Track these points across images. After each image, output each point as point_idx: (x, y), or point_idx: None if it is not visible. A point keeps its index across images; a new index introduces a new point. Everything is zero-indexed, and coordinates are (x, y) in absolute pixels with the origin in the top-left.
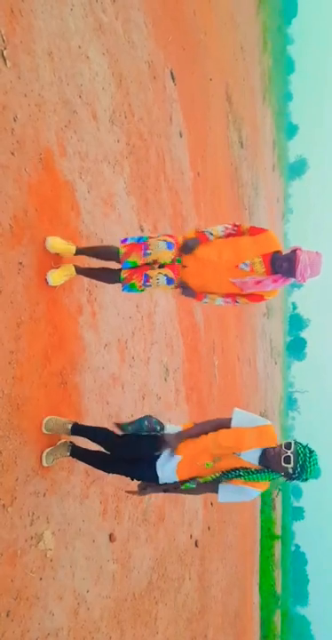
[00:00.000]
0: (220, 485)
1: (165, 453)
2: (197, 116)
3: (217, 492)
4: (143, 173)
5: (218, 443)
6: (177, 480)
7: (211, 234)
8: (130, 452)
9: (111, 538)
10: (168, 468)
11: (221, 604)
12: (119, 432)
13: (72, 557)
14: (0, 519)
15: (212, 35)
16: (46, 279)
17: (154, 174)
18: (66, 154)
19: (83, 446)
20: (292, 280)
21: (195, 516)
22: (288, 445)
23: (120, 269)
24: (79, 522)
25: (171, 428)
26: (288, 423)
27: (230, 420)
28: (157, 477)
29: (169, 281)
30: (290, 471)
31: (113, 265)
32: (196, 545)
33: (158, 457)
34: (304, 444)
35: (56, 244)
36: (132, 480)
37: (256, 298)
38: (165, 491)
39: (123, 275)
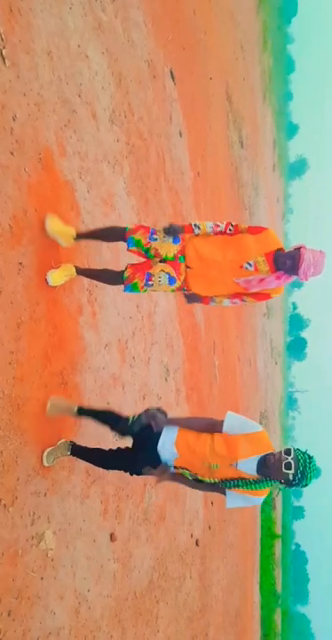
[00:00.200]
0: (227, 491)
1: (161, 442)
2: (197, 115)
3: (219, 493)
4: (143, 173)
5: (214, 451)
6: (177, 454)
7: (198, 227)
8: (136, 430)
9: (112, 537)
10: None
11: (222, 603)
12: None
13: (73, 557)
14: (1, 519)
15: (212, 34)
16: (46, 279)
17: (154, 174)
18: (65, 153)
19: (83, 444)
20: (295, 277)
21: (196, 516)
22: (287, 452)
23: (122, 271)
24: (80, 521)
25: (170, 428)
26: (289, 423)
27: (222, 422)
28: (157, 458)
29: (171, 280)
30: (291, 477)
31: (114, 265)
32: (197, 544)
33: (156, 446)
34: (303, 449)
35: (55, 225)
36: (131, 475)
37: (262, 296)
38: (169, 478)
39: (126, 273)
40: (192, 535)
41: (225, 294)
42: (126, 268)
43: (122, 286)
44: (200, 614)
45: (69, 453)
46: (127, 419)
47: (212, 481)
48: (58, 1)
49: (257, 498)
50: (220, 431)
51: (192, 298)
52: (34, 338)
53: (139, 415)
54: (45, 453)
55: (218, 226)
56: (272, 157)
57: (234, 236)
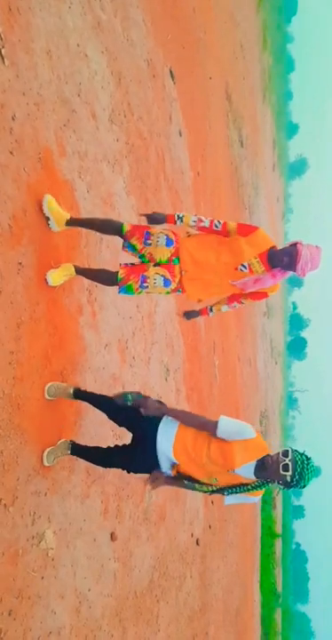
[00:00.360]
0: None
1: (158, 438)
2: (197, 114)
3: (214, 493)
4: (143, 173)
5: (211, 458)
6: (172, 475)
7: (180, 219)
8: (131, 418)
9: (112, 537)
10: (163, 463)
11: (222, 602)
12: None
13: (73, 556)
14: (1, 519)
15: (212, 33)
16: (46, 279)
17: (154, 173)
18: (65, 153)
19: (83, 444)
20: (290, 273)
21: (196, 515)
22: (285, 453)
23: (117, 272)
24: (80, 521)
25: (169, 424)
26: (289, 422)
27: (216, 423)
28: (157, 462)
29: (166, 282)
30: (288, 479)
31: (113, 266)
32: (197, 543)
33: (156, 442)
34: (301, 451)
35: (51, 204)
36: (129, 473)
37: (259, 295)
38: (170, 483)
39: (121, 274)
40: (192, 534)
41: (221, 296)
42: (120, 269)
43: (115, 287)
44: (200, 613)
45: (69, 453)
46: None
47: (213, 489)
48: (57, 0)
49: (254, 497)
50: (214, 433)
51: (190, 314)
52: (34, 338)
53: (130, 393)
54: (45, 453)
55: (202, 221)
56: (271, 157)
57: (227, 239)
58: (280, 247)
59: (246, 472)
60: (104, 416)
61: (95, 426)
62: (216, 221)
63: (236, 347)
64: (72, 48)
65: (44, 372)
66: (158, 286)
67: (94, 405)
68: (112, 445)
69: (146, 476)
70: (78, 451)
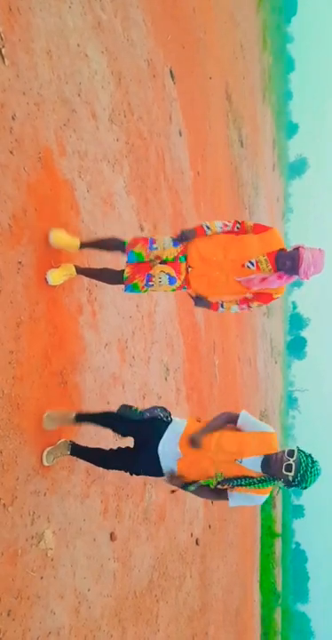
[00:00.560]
0: (229, 493)
1: (165, 439)
2: (197, 114)
3: (219, 500)
4: (143, 172)
5: (221, 446)
6: (181, 454)
7: (208, 228)
8: (138, 428)
9: (112, 537)
10: (167, 464)
11: (222, 602)
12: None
13: (73, 556)
14: (1, 518)
15: (212, 33)
16: (46, 279)
17: (154, 173)
18: (65, 153)
19: (83, 444)
20: (296, 277)
21: (196, 515)
22: (290, 453)
23: (122, 270)
24: (80, 521)
25: (177, 421)
26: (289, 422)
27: (237, 416)
28: (159, 468)
29: (172, 280)
30: (290, 479)
31: (113, 264)
32: (197, 543)
33: (158, 447)
34: (307, 453)
35: (59, 236)
36: (131, 475)
37: (265, 298)
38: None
39: (126, 273)
40: (192, 534)
41: (228, 294)
42: (125, 268)
43: (121, 286)
44: (200, 613)
45: (69, 453)
46: (127, 411)
47: (217, 480)
48: (57, 0)
49: (260, 496)
50: (235, 423)
51: (201, 302)
52: (33, 337)
53: (143, 411)
54: (45, 453)
55: (227, 225)
56: (271, 157)
57: (238, 236)
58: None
59: (253, 464)
60: None
61: (95, 426)
62: (237, 223)
63: (236, 346)
64: (72, 48)
65: (44, 372)
66: (163, 284)
67: (98, 424)
68: (114, 447)
69: (147, 476)
70: (78, 451)
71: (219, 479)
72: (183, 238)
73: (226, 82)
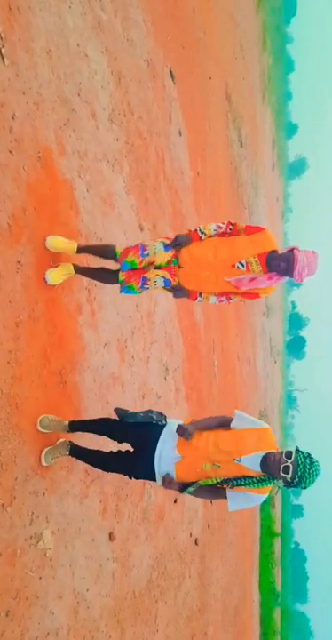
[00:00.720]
0: (228, 493)
1: (161, 443)
2: (196, 114)
3: (221, 498)
4: (142, 172)
5: (218, 446)
6: (180, 457)
7: (203, 232)
8: (133, 434)
9: (111, 537)
10: (165, 464)
11: (221, 602)
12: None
13: (71, 556)
14: None
15: (212, 33)
16: (45, 278)
17: (154, 173)
18: (64, 152)
19: (82, 445)
20: (287, 278)
21: (195, 515)
22: (288, 455)
23: (117, 271)
24: (79, 521)
25: (173, 422)
26: (288, 421)
27: (232, 419)
28: (154, 473)
29: (167, 282)
30: (289, 480)
31: (111, 265)
32: (196, 543)
33: (154, 452)
34: (306, 453)
35: (56, 242)
36: (131, 479)
37: (251, 295)
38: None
39: (121, 277)
40: (191, 534)
41: (215, 292)
42: (120, 273)
43: (117, 285)
44: (199, 613)
45: (68, 454)
46: (119, 422)
47: (216, 480)
48: None
49: (259, 496)
50: (229, 424)
51: (179, 292)
52: (32, 337)
53: (137, 413)
54: (44, 453)
55: (221, 227)
56: (271, 157)
57: (229, 237)
58: (280, 251)
59: (252, 463)
60: (103, 416)
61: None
62: (230, 225)
63: (235, 346)
64: (72, 48)
65: (43, 372)
66: (159, 287)
67: (92, 432)
68: (114, 450)
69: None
70: (77, 452)
71: (218, 481)
72: (177, 244)
73: (226, 82)
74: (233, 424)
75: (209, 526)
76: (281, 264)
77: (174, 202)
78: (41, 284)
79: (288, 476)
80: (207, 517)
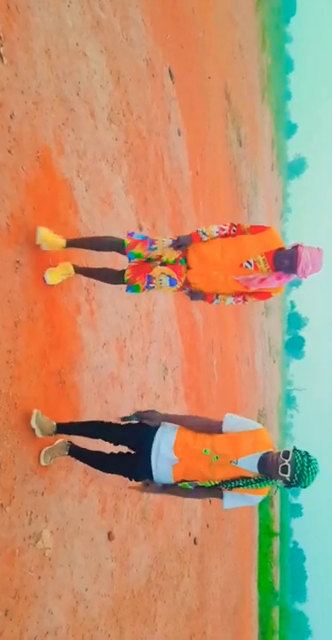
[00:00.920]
0: (224, 492)
1: (156, 444)
2: (196, 114)
3: (217, 497)
4: (141, 172)
5: (215, 450)
6: (173, 482)
7: (205, 234)
8: (124, 436)
9: (109, 536)
10: (162, 466)
11: (220, 601)
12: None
13: (70, 556)
14: None
15: (211, 33)
16: (44, 278)
17: (153, 173)
18: (63, 152)
19: (82, 445)
20: (295, 276)
21: (194, 514)
22: (285, 454)
23: (123, 271)
24: (77, 520)
25: (168, 428)
26: (287, 421)
27: (220, 423)
28: (152, 475)
29: (172, 282)
30: (288, 479)
31: (112, 263)
32: (195, 542)
33: (151, 453)
34: (303, 452)
35: (44, 234)
36: (130, 480)
37: (263, 295)
38: (166, 491)
39: (127, 275)
40: (190, 533)
41: (227, 293)
42: (126, 269)
43: (120, 285)
44: (198, 612)
45: (67, 454)
46: (111, 423)
47: (214, 483)
48: None
49: (257, 497)
50: (219, 430)
51: (196, 295)
52: (31, 337)
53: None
54: (42, 453)
55: (223, 229)
56: (270, 156)
57: (235, 237)
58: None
59: (249, 464)
60: (102, 416)
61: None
62: (233, 226)
63: (234, 345)
64: (71, 47)
65: (42, 371)
66: (164, 286)
67: (83, 435)
68: (114, 451)
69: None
70: (76, 452)
71: (216, 483)
72: (179, 245)
73: (225, 81)
74: (224, 428)
75: (207, 526)
76: (285, 261)
77: (173, 201)
78: (40, 284)
79: (287, 476)
80: (206, 517)
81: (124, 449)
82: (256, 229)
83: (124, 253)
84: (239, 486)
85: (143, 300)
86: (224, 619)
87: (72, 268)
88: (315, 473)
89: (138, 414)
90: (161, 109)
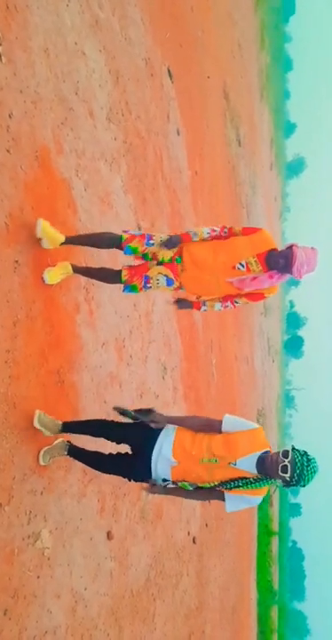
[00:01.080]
0: (226, 495)
1: (158, 446)
2: (194, 113)
3: (218, 499)
4: (140, 172)
5: (212, 452)
6: (171, 480)
7: (195, 234)
8: (129, 435)
9: (108, 536)
10: (161, 468)
11: (218, 600)
12: (119, 416)
13: (69, 555)
14: None
15: (210, 32)
16: (43, 277)
17: (152, 172)
18: (62, 151)
19: (81, 446)
20: (288, 276)
21: (193, 514)
22: (285, 454)
23: (120, 271)
24: (76, 520)
25: (169, 430)
26: (286, 421)
27: (220, 422)
28: (151, 476)
29: (169, 282)
30: (288, 479)
31: (111, 263)
32: (194, 542)
33: (151, 454)
34: (302, 451)
35: (45, 227)
36: (129, 481)
37: (256, 297)
38: (168, 492)
39: (124, 276)
40: (189, 533)
41: (218, 296)
42: (123, 270)
43: (118, 285)
44: (197, 612)
45: (66, 454)
46: (114, 422)
47: (212, 484)
48: None
49: (256, 497)
50: (218, 431)
51: (183, 304)
52: (30, 336)
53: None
54: (41, 452)
55: (214, 231)
56: (269, 156)
57: (227, 239)
58: (280, 249)
59: (248, 465)
60: (101, 416)
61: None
62: (224, 228)
63: (233, 345)
64: (70, 46)
65: (41, 371)
66: (161, 286)
67: (88, 434)
68: (113, 452)
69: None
70: (76, 453)
71: (214, 462)
72: (170, 245)
73: (224, 81)
74: (223, 428)
75: (206, 525)
76: (280, 261)
77: (172, 201)
78: (38, 284)
79: (287, 476)
80: (205, 516)
81: (125, 447)
82: (248, 231)
83: (121, 248)
84: (238, 487)
85: (142, 299)
86: (222, 618)
87: (70, 268)
88: (314, 472)
89: (135, 414)
90: (159, 109)
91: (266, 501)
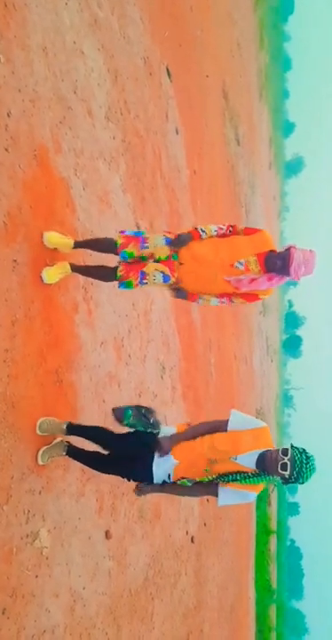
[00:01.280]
0: (219, 488)
1: (158, 456)
2: (193, 113)
3: (213, 494)
4: (139, 171)
5: (214, 447)
6: (172, 480)
7: (204, 231)
8: (127, 448)
9: (107, 535)
10: (163, 470)
11: (217, 599)
12: (118, 422)
13: (68, 555)
14: None
15: (209, 31)
16: (41, 277)
17: (151, 172)
18: (61, 150)
19: (80, 446)
20: (287, 278)
21: (191, 513)
22: (284, 452)
23: (116, 267)
24: (75, 519)
25: (166, 430)
26: (284, 420)
27: (227, 421)
28: (152, 477)
29: (166, 278)
30: (287, 477)
31: (109, 261)
32: (192, 541)
33: (153, 457)
34: (301, 449)
35: (53, 238)
36: (129, 481)
37: (251, 297)
38: (162, 490)
39: (120, 272)
40: (187, 532)
41: (214, 293)
42: (119, 266)
43: (116, 283)
44: (195, 611)
45: (65, 454)
46: (115, 433)
47: (211, 478)
48: None
49: (252, 493)
50: (225, 428)
51: (179, 293)
52: (29, 336)
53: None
54: (40, 452)
55: (221, 228)
56: (268, 155)
57: (229, 237)
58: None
59: (248, 461)
60: (100, 415)
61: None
62: (230, 227)
63: (232, 345)
64: (68, 45)
65: (39, 371)
66: (157, 282)
67: (88, 439)
68: (115, 436)
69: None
70: (74, 453)
71: (213, 464)
72: (180, 243)
73: (223, 80)
74: (230, 425)
75: (205, 524)
76: (278, 262)
77: (171, 200)
78: (37, 283)
79: (287, 473)
80: (203, 515)
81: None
82: (250, 231)
83: (117, 253)
84: (236, 480)
85: (141, 299)
86: (221, 617)
87: (69, 267)
88: (313, 470)
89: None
90: (158, 108)
91: (265, 500)
